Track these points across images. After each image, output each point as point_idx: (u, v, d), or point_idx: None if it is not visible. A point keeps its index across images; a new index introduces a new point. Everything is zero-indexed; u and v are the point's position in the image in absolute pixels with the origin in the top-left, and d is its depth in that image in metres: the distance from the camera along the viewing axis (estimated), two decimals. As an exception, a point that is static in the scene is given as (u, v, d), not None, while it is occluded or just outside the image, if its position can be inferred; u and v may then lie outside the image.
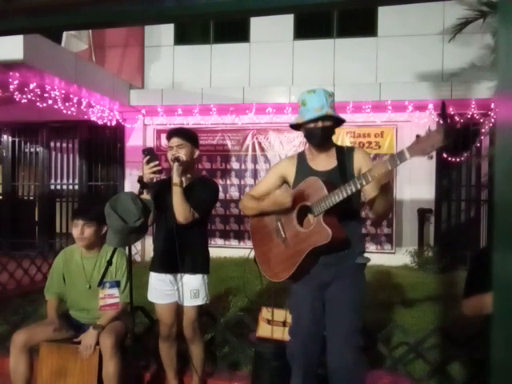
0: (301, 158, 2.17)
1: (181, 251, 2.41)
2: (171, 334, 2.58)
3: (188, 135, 2.54)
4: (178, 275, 2.51)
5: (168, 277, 2.53)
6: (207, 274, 2.58)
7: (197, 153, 2.56)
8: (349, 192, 1.83)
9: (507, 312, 0.88)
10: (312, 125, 2.04)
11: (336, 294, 1.99)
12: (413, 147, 1.66)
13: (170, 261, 2.47)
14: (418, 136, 1.66)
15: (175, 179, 2.39)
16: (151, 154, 2.34)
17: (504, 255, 0.89)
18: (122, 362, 2.43)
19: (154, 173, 2.31)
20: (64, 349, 2.49)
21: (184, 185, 2.48)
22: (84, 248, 2.68)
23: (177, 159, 2.41)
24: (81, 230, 2.61)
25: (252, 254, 2.22)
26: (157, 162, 2.29)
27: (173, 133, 2.54)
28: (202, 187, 2.54)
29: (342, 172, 2.03)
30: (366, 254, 2.10)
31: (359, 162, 2.05)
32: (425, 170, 6.91)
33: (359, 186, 1.82)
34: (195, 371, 2.65)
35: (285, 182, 2.20)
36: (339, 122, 2.10)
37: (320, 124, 2.03)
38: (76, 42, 6.94)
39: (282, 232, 2.05)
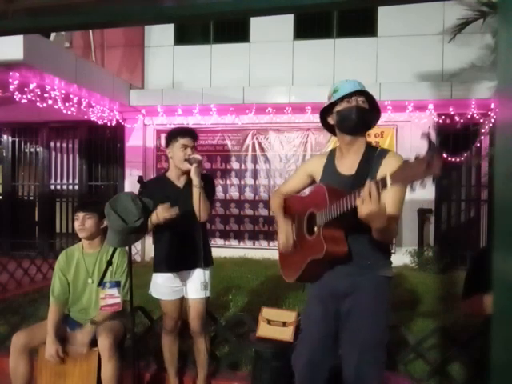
0: (330, 156, 2.00)
1: (191, 247, 2.49)
2: (176, 326, 2.64)
3: (196, 136, 2.61)
4: (187, 271, 2.56)
5: (178, 274, 2.57)
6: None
7: None
8: (346, 208, 1.60)
9: (507, 312, 0.88)
10: (346, 104, 1.83)
11: (355, 306, 1.81)
12: (396, 175, 1.40)
13: (181, 259, 2.52)
14: (406, 161, 1.37)
15: (196, 181, 2.43)
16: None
17: (504, 255, 0.89)
18: (120, 364, 2.42)
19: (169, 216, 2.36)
20: (63, 350, 2.47)
21: (186, 181, 2.55)
22: (85, 240, 2.70)
23: (198, 162, 2.44)
24: (81, 221, 2.65)
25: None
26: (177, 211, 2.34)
27: (187, 132, 2.56)
28: (204, 182, 2.56)
29: (358, 180, 1.74)
30: None
31: (385, 170, 1.63)
32: (425, 170, 6.91)
33: (354, 203, 1.56)
34: (200, 367, 2.67)
35: (314, 180, 2.05)
36: (374, 118, 1.89)
37: (354, 102, 1.81)
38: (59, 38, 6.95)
39: (294, 235, 1.98)
